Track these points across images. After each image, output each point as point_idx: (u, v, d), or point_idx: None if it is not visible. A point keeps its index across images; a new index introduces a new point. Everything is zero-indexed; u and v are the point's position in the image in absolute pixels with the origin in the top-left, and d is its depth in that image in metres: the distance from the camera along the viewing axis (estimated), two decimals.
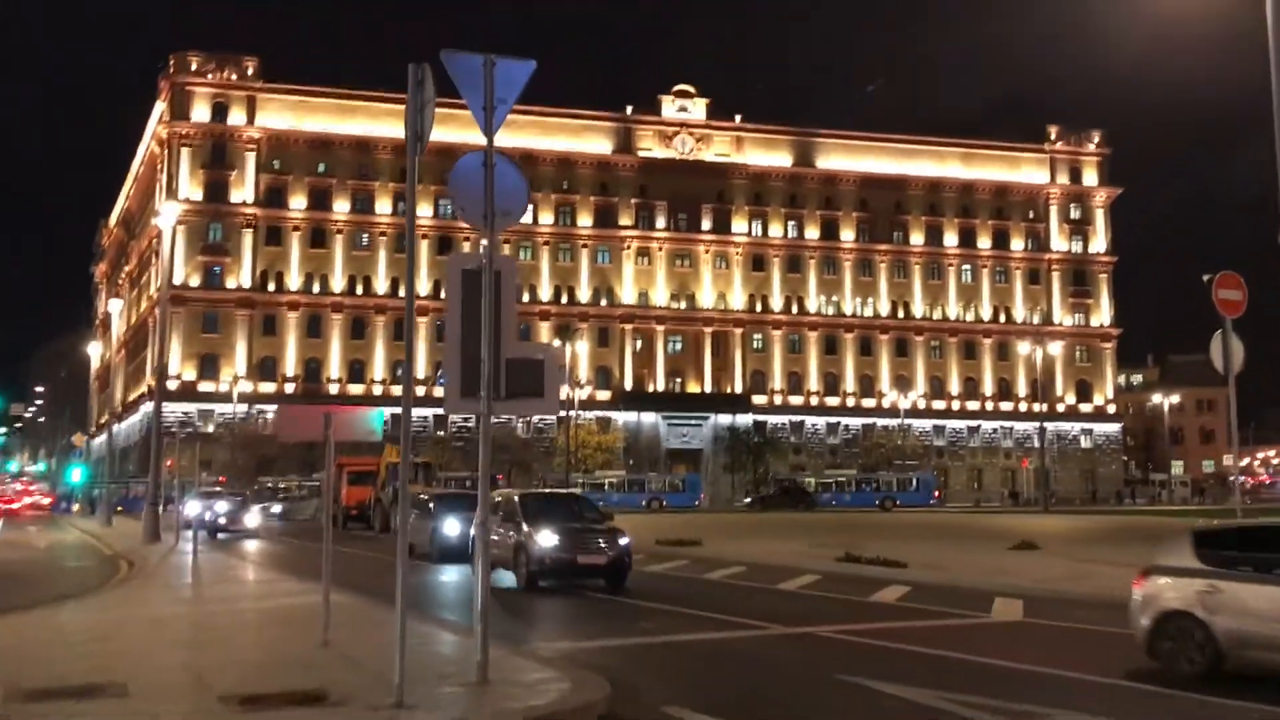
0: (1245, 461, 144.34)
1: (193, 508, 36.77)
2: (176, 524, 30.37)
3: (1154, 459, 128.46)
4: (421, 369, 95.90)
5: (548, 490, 40.99)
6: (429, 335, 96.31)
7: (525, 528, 18.24)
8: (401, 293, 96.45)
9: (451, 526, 24.02)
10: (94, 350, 74.08)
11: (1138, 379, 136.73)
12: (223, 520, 36.42)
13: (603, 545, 18.14)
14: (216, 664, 9.81)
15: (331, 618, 10.44)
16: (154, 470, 31.80)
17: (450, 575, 21.03)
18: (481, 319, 8.59)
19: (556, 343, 73.61)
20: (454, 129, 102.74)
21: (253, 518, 37.68)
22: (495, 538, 17.65)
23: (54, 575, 21.86)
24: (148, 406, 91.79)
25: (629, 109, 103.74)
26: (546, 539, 17.96)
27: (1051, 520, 49.90)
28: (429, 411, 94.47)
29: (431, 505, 26.29)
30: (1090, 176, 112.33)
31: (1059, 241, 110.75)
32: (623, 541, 18.28)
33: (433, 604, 15.92)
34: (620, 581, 18.03)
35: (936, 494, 79.49)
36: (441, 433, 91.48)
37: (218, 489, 50.65)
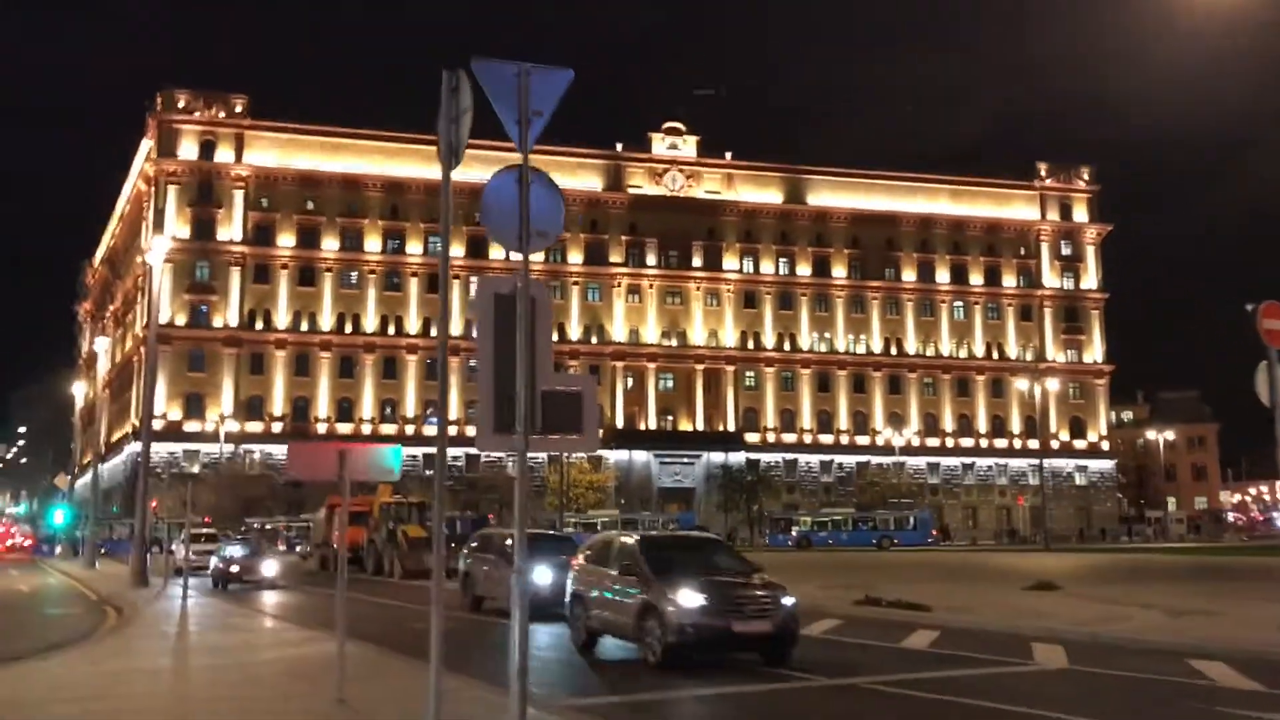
0: (1238, 498, 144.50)
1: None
2: (166, 568, 29.35)
3: (1146, 496, 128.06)
4: (411, 407, 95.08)
5: (675, 532, 35.91)
6: (418, 373, 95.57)
7: (655, 583, 14.00)
8: (391, 330, 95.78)
9: (542, 575, 18.91)
10: (78, 389, 72.93)
11: (1128, 415, 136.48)
12: (234, 569, 30.89)
13: (765, 606, 13.80)
14: None
15: (345, 670, 9.62)
16: (140, 512, 30.80)
17: (542, 639, 16.85)
18: (516, 348, 7.85)
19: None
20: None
21: (270, 566, 31.44)
22: (608, 595, 15.04)
23: (39, 623, 20.87)
24: (132, 447, 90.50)
25: (619, 146, 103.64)
26: (689, 599, 13.49)
27: (1055, 559, 49.15)
28: (417, 450, 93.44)
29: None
30: (1080, 213, 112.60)
31: (1050, 278, 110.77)
32: (787, 602, 13.97)
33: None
34: (785, 655, 13.84)
35: (935, 532, 78.61)
36: (429, 472, 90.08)
37: (207, 530, 46.99)
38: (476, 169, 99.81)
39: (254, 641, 15.41)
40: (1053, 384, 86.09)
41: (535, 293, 7.99)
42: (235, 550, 32.41)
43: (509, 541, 19.72)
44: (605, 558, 15.82)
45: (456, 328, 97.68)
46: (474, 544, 24.61)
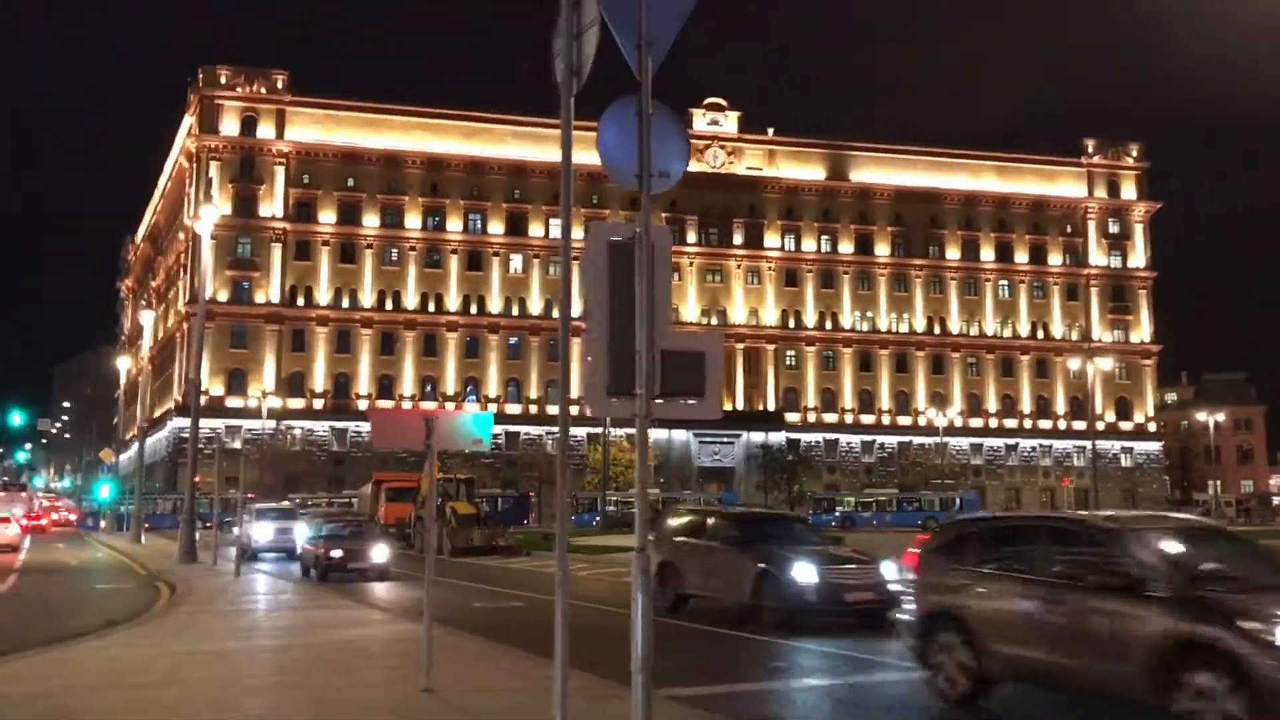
0: (1275, 480, 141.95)
1: (261, 530, 33.69)
2: (215, 543, 28.92)
3: (1190, 478, 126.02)
4: (451, 384, 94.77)
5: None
6: (458, 350, 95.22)
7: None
8: (431, 308, 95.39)
9: (804, 571, 14.65)
10: (122, 364, 73.04)
11: (1172, 397, 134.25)
12: (336, 554, 24.40)
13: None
14: (307, 717, 8.34)
15: (422, 655, 8.92)
16: (189, 486, 30.43)
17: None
18: (636, 302, 7.06)
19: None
20: (485, 143, 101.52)
21: (380, 551, 24.99)
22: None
23: (92, 599, 20.42)
24: (174, 422, 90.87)
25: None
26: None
27: None
28: None
29: (737, 532, 16.48)
30: (1129, 190, 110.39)
31: (1097, 256, 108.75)
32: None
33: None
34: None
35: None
36: (468, 450, 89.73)
37: (280, 505, 41.56)
38: (514, 145, 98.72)
39: (316, 620, 14.79)
40: (1103, 364, 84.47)
41: (657, 239, 7.19)
42: (337, 531, 26.49)
43: (740, 524, 17.11)
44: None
45: (496, 305, 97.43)
46: (674, 525, 19.14)
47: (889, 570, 14.50)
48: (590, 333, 7.19)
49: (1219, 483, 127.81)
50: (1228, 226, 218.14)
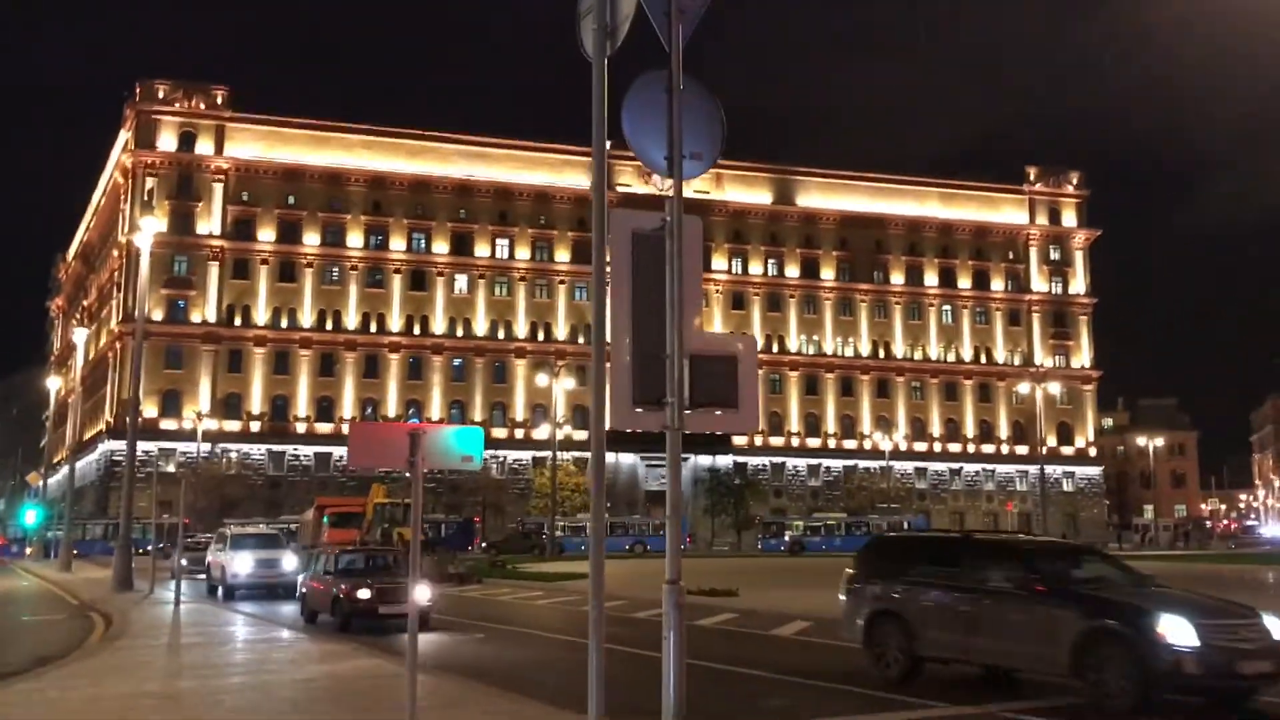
0: (1221, 507, 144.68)
1: (240, 561, 26.86)
2: (151, 572, 27.33)
3: (1126, 502, 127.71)
4: (393, 407, 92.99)
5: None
6: (400, 372, 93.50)
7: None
8: (373, 328, 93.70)
9: (1178, 630, 10.36)
10: (52, 384, 70.57)
11: (1108, 423, 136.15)
12: (363, 595, 18.54)
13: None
14: None
15: (398, 696, 7.94)
16: (125, 511, 28.91)
17: None
18: (667, 300, 6.25)
19: (549, 381, 69.41)
20: (430, 161, 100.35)
21: (423, 592, 16.80)
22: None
23: (19, 632, 18.98)
24: (106, 444, 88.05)
25: (608, 144, 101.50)
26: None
27: None
28: None
29: (1029, 570, 11.79)
30: (1069, 218, 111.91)
31: (1039, 282, 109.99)
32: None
33: None
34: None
35: None
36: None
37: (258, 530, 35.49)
38: (460, 164, 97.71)
39: (272, 656, 13.64)
40: (1053, 387, 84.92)
41: (688, 229, 6.37)
42: (358, 562, 20.74)
43: (1033, 557, 12.14)
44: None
45: (440, 325, 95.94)
46: (887, 558, 14.01)
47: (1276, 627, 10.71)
48: (613, 336, 6.33)
49: (1154, 507, 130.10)
50: (1160, 254, 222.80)
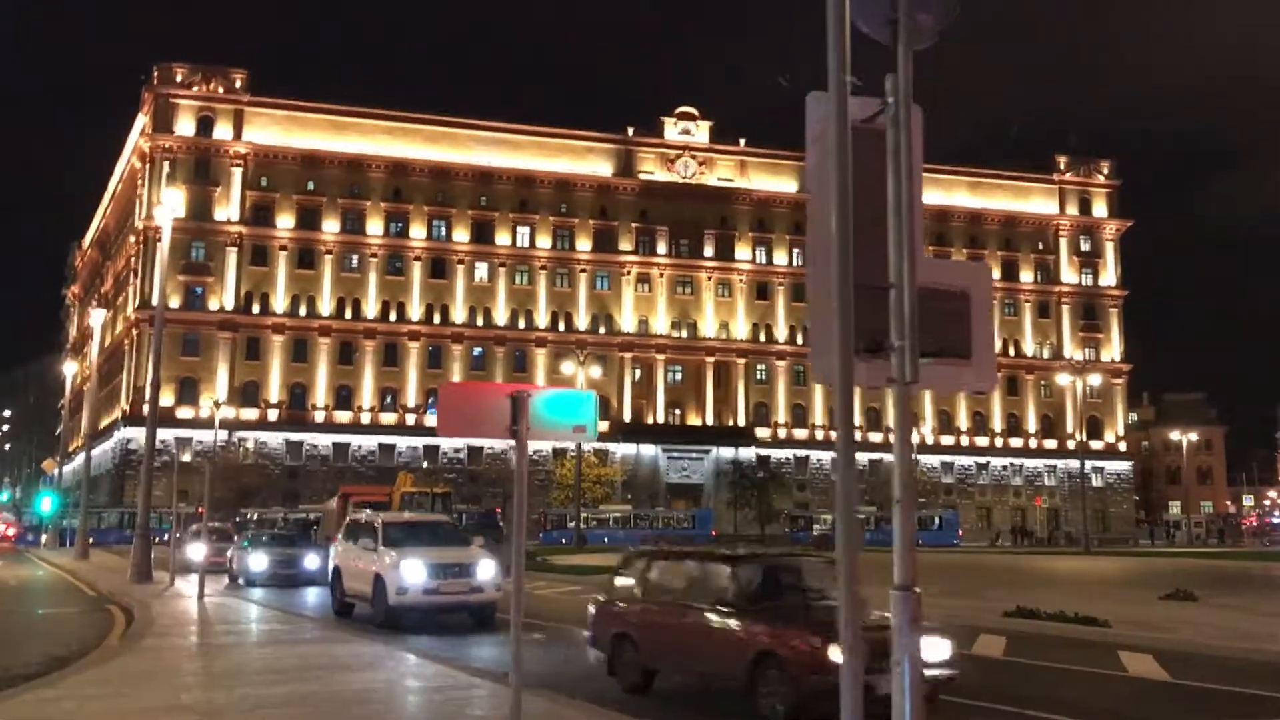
0: (1249, 501, 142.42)
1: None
2: (171, 562, 25.85)
3: (1151, 499, 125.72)
4: (412, 396, 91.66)
5: None
6: (419, 361, 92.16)
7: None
8: (392, 317, 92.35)
9: None
10: (68, 370, 69.37)
11: (1133, 417, 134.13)
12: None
13: None
14: None
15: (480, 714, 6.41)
16: (144, 499, 27.52)
17: None
18: (890, 209, 4.69)
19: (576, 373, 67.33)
20: (450, 148, 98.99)
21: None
22: None
23: (34, 627, 17.54)
24: (121, 432, 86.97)
25: (630, 131, 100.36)
26: None
27: (1111, 563, 46.16)
28: (418, 441, 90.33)
29: None
30: (1100, 208, 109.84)
31: (1069, 274, 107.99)
32: None
33: None
34: None
35: (960, 534, 75.57)
36: (428, 464, 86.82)
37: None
38: (480, 151, 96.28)
39: (312, 658, 12.10)
40: (1092, 380, 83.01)
41: (913, 117, 4.78)
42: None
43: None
44: None
45: (460, 314, 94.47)
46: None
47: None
48: (814, 261, 4.75)
49: (1180, 503, 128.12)
50: (1185, 246, 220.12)
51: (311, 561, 27.96)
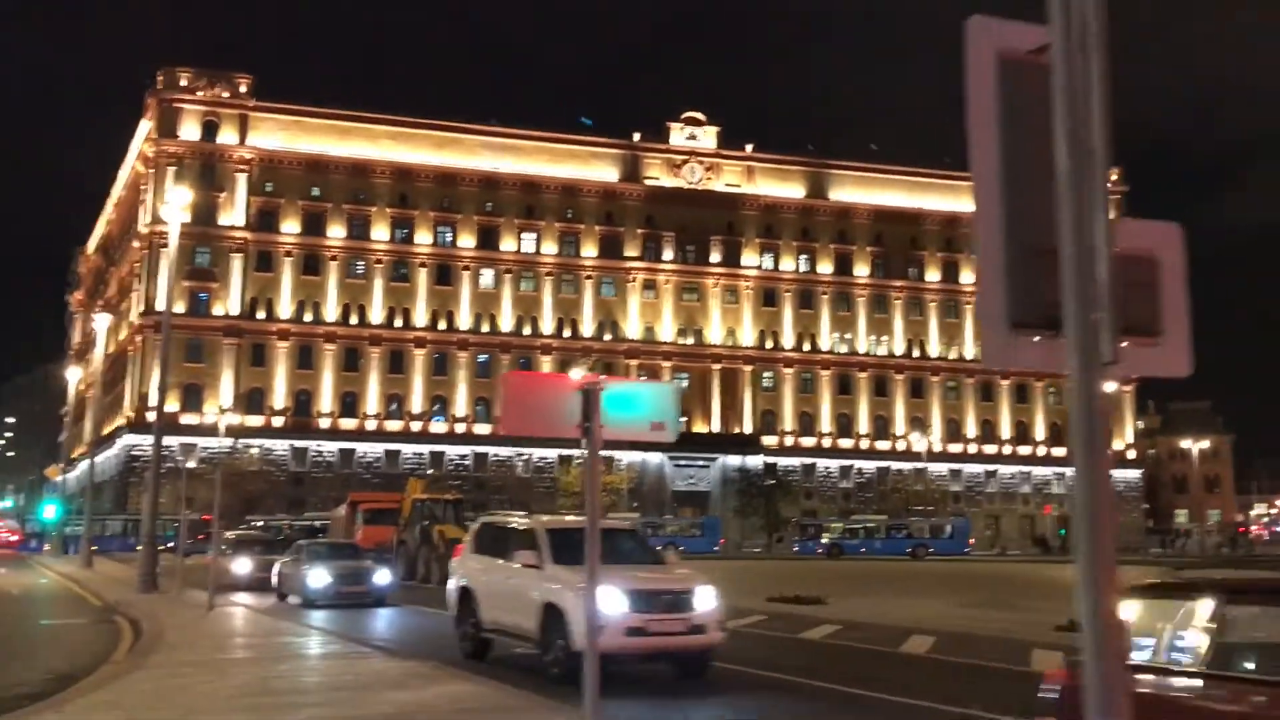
0: (1259, 510, 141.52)
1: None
2: (178, 571, 25.05)
3: (1159, 507, 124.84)
4: (418, 403, 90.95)
5: None
6: (425, 368, 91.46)
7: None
8: (398, 323, 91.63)
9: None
10: (72, 375, 68.79)
11: (1139, 425, 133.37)
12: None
13: None
14: None
15: None
16: (151, 506, 26.80)
17: None
18: (1060, 156, 3.95)
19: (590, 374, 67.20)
20: (456, 153, 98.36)
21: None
22: None
23: (37, 640, 16.79)
24: (125, 439, 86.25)
25: (636, 136, 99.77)
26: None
27: (1136, 573, 45.26)
28: (424, 448, 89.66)
29: None
30: (1110, 215, 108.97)
31: None
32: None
33: None
34: None
35: (971, 541, 74.75)
36: (433, 471, 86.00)
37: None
38: (486, 157, 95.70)
39: (336, 674, 11.35)
40: (1108, 388, 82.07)
41: (1090, 43, 4.01)
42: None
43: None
44: None
45: (465, 321, 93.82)
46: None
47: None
48: (979, 218, 4.02)
49: (1188, 512, 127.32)
50: (1192, 253, 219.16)
51: (382, 577, 24.67)
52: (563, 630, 12.10)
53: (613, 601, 11.67)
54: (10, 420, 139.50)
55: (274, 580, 26.24)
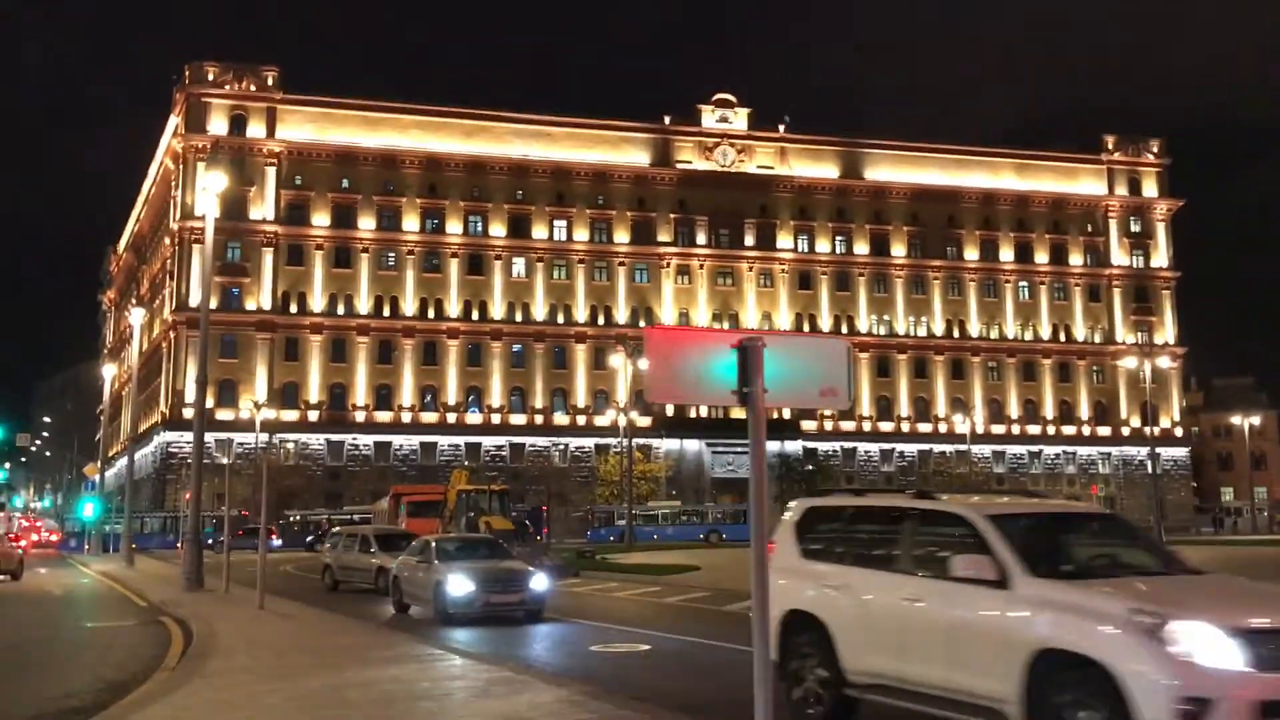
0: None
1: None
2: (225, 568, 24.17)
3: (1203, 485, 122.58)
4: (452, 394, 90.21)
5: None
6: (459, 358, 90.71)
7: None
8: (430, 314, 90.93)
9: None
10: (108, 372, 68.51)
11: (1182, 404, 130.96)
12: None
13: None
14: None
15: None
16: (194, 502, 25.99)
17: None
18: None
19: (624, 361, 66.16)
20: (485, 141, 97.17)
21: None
22: None
23: (83, 644, 15.90)
24: (161, 436, 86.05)
25: (667, 119, 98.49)
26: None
27: (1203, 552, 43.72)
28: (459, 439, 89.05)
29: None
30: (1150, 188, 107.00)
31: (1119, 256, 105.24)
32: None
33: None
34: None
35: None
36: (469, 462, 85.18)
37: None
38: (516, 144, 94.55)
39: (413, 682, 10.23)
40: (1146, 364, 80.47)
41: None
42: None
43: None
44: None
45: (498, 310, 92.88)
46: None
47: None
48: None
49: (1233, 490, 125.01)
50: (1230, 226, 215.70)
51: (539, 582, 18.78)
52: (1103, 706, 6.73)
53: (1224, 650, 6.50)
54: (47, 420, 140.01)
55: (389, 585, 21.68)
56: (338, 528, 28.42)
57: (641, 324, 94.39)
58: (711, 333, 5.49)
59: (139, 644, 15.23)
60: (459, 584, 18.31)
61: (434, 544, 20.59)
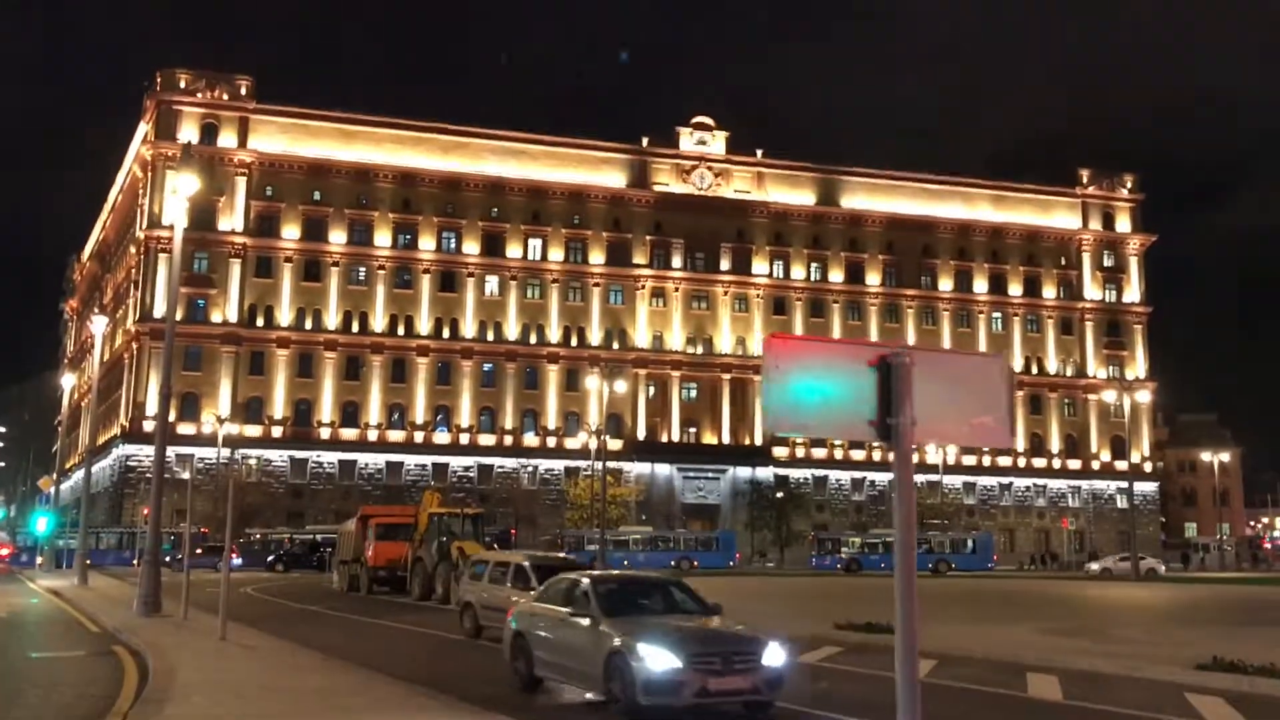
0: (1263, 523, 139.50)
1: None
2: (184, 592, 22.79)
3: (1168, 520, 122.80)
4: (420, 413, 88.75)
5: None
6: (428, 377, 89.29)
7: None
8: (400, 331, 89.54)
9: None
10: (67, 382, 66.55)
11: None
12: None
13: None
14: None
15: None
16: (153, 520, 24.59)
17: None
18: None
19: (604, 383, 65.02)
20: (461, 158, 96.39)
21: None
22: None
23: (24, 679, 14.52)
24: (121, 449, 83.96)
25: (645, 141, 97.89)
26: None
27: (1182, 591, 43.25)
28: (427, 459, 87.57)
29: None
30: (1124, 223, 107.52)
31: (1092, 290, 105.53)
32: None
33: None
34: None
35: (995, 557, 72.64)
36: (436, 482, 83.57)
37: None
38: (492, 161, 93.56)
39: None
40: (1108, 397, 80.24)
41: None
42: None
43: None
44: None
45: (469, 329, 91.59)
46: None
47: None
48: None
49: (1197, 525, 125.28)
50: (1197, 262, 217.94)
51: (774, 656, 11.67)
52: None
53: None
54: (2, 430, 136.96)
55: (507, 644, 14.17)
56: (486, 554, 22.82)
57: (615, 345, 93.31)
58: (841, 344, 4.44)
59: (88, 681, 13.96)
60: (658, 658, 11.29)
61: (589, 585, 13.12)
